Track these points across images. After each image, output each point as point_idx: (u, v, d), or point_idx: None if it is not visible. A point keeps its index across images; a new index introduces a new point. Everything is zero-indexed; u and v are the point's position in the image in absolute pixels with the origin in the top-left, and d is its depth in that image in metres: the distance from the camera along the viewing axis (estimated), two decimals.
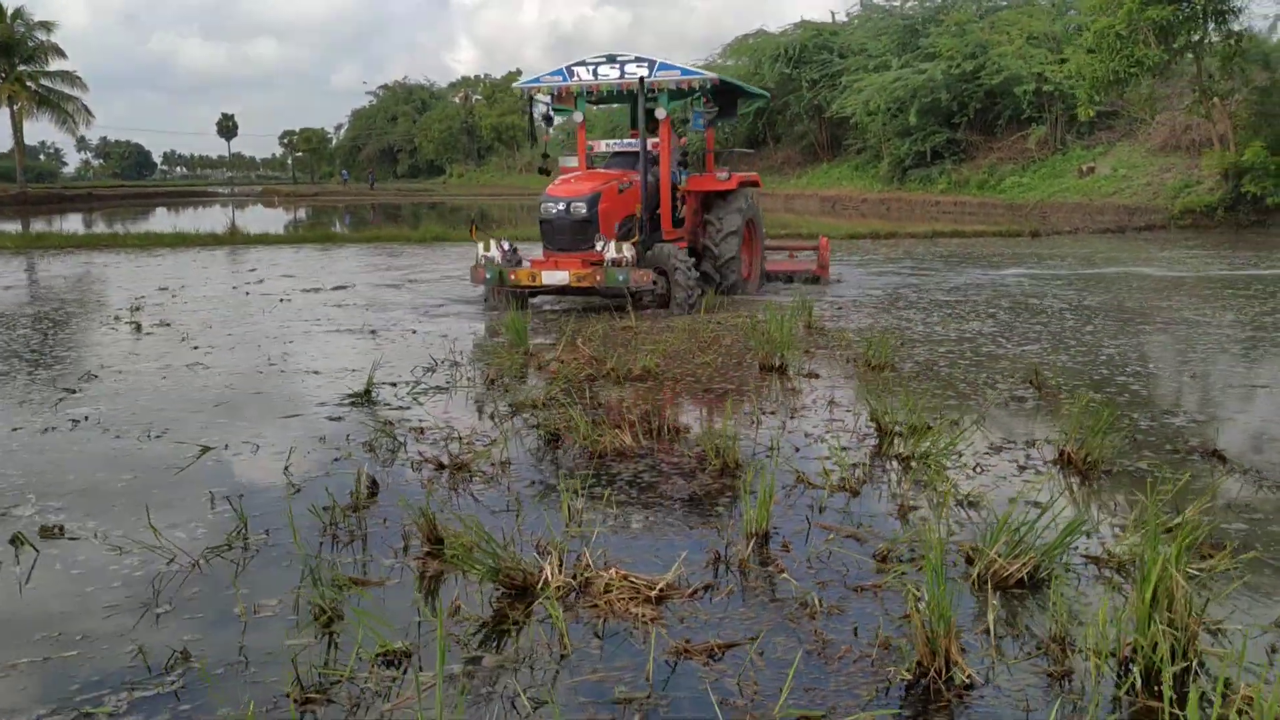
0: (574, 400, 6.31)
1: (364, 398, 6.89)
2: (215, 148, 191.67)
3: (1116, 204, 27.30)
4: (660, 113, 11.40)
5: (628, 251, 10.54)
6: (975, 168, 36.10)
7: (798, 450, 5.62)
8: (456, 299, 12.36)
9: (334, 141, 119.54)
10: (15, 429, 6.21)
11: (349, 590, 3.72)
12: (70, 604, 3.71)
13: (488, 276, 10.91)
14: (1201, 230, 23.02)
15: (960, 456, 5.32)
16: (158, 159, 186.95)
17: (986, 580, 3.72)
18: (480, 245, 11.24)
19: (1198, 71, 23.10)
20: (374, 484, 4.96)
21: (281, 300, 12.19)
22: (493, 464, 5.31)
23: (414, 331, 9.92)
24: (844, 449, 5.59)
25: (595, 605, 3.63)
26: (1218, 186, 23.64)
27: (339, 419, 6.39)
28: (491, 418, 6.39)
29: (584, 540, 4.18)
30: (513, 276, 10.77)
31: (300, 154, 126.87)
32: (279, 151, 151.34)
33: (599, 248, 10.72)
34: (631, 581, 3.73)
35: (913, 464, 5.30)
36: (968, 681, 3.04)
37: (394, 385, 7.30)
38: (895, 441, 5.66)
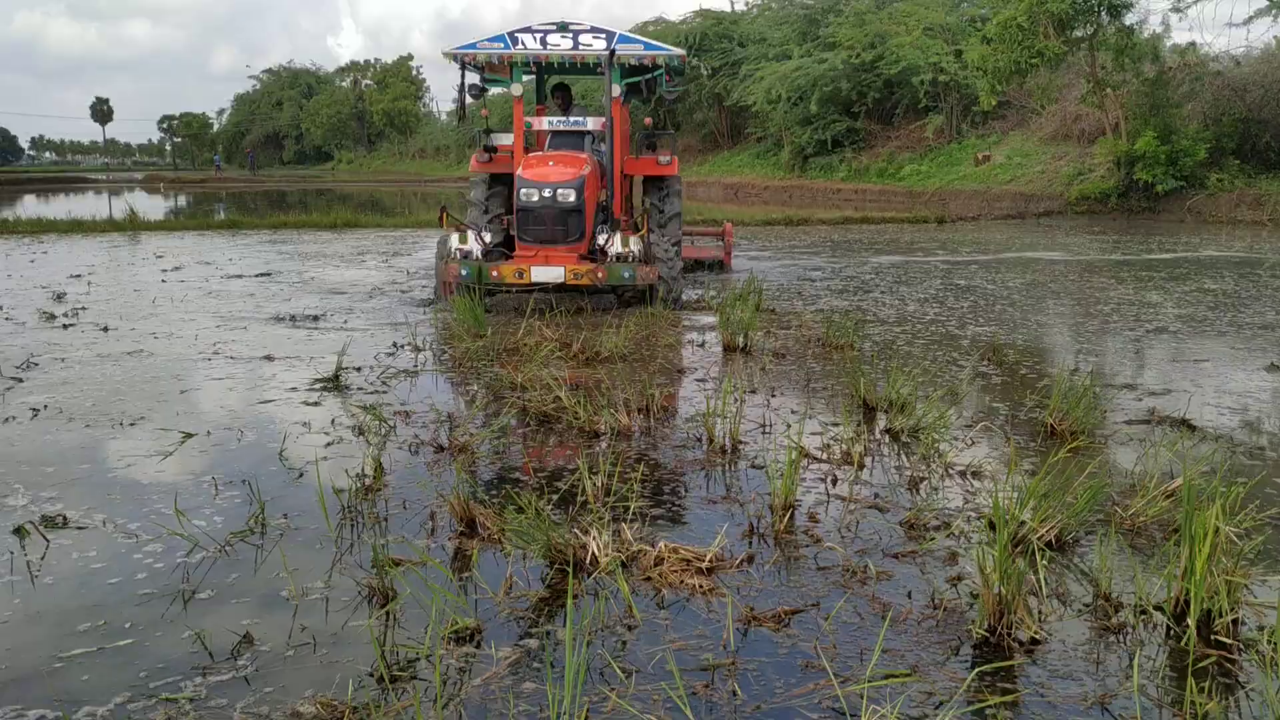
0: (558, 382, 6.30)
1: (334, 382, 6.75)
2: (87, 133, 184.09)
3: (1013, 191, 28.27)
4: (616, 90, 10.32)
5: (635, 245, 9.51)
6: (875, 156, 36.93)
7: (789, 426, 5.72)
8: (388, 284, 12.15)
9: (215, 127, 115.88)
10: None
11: (393, 571, 3.66)
12: (103, 594, 3.58)
13: (463, 274, 9.35)
14: (1096, 216, 24.01)
15: (948, 430, 5.48)
16: (24, 144, 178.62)
17: (1018, 544, 3.86)
18: (454, 236, 9.70)
19: (1092, 63, 24.06)
20: (379, 468, 4.89)
21: (207, 288, 11.81)
22: (494, 446, 5.27)
23: (357, 320, 9.72)
24: (834, 424, 5.71)
25: (649, 578, 3.65)
26: (1110, 174, 24.68)
27: (315, 404, 6.25)
28: (473, 400, 6.34)
29: (617, 517, 4.19)
30: (495, 274, 9.32)
31: (180, 139, 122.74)
32: (157, 137, 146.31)
33: (601, 240, 9.73)
34: (681, 554, 3.76)
35: (903, 438, 5.45)
36: (1035, 637, 3.17)
37: (359, 370, 7.16)
38: (879, 417, 5.82)
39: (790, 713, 2.80)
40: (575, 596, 3.54)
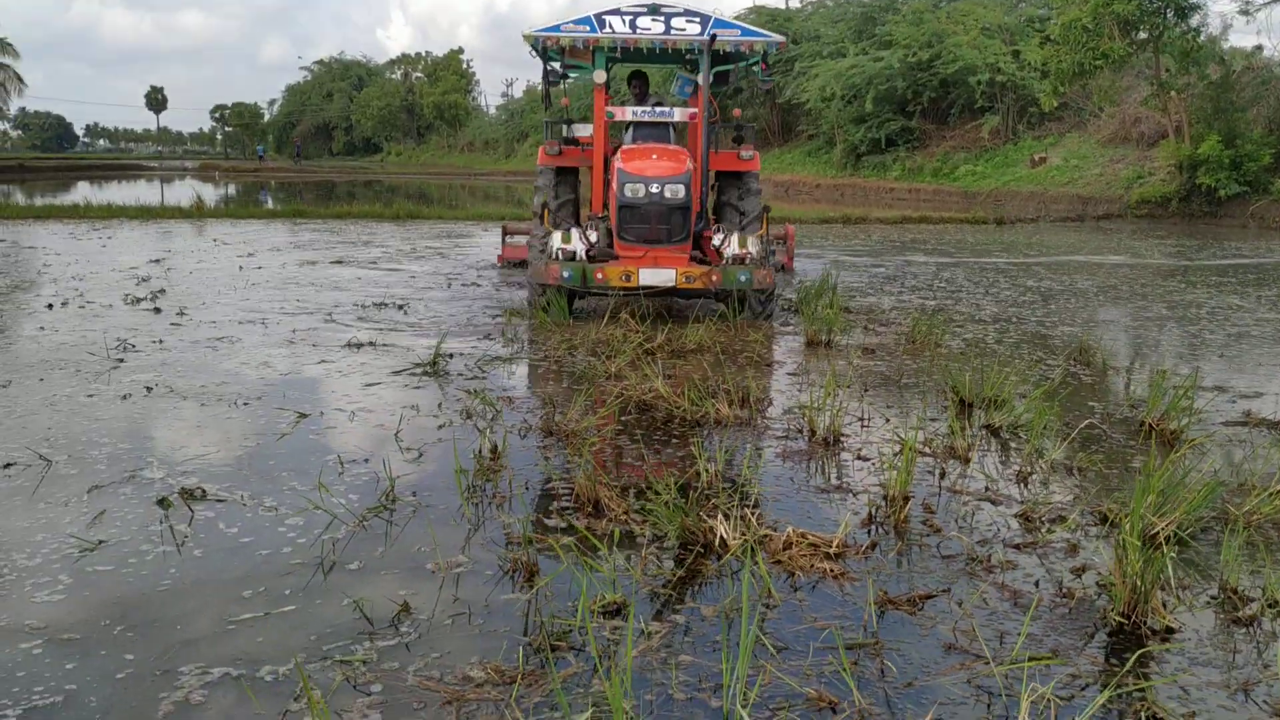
0: (656, 371, 6.43)
1: (433, 368, 6.93)
2: (141, 121, 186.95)
3: (1070, 194, 28.02)
4: (700, 78, 9.37)
5: (753, 246, 8.82)
6: (929, 155, 36.72)
7: (888, 420, 5.81)
8: (472, 266, 12.37)
9: (267, 117, 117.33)
10: (90, 395, 6.14)
11: (528, 547, 3.79)
12: (256, 563, 3.74)
13: (565, 276, 8.54)
14: (1157, 220, 23.78)
15: (1050, 426, 5.54)
16: (79, 131, 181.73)
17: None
18: (556, 235, 8.89)
19: (1156, 65, 23.83)
20: (495, 449, 5.04)
21: (285, 274, 12.06)
22: (600, 432, 5.40)
23: (451, 314, 9.91)
24: (932, 419, 5.79)
25: (778, 561, 3.77)
26: (1171, 178, 24.42)
27: (420, 388, 6.42)
28: (573, 388, 6.47)
29: (740, 502, 4.31)
30: (600, 276, 8.53)
31: (231, 129, 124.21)
32: (208, 126, 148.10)
33: (717, 241, 9.02)
34: (809, 539, 3.87)
35: (1003, 434, 5.52)
36: (1169, 626, 3.25)
37: (451, 357, 7.32)
38: (975, 413, 5.89)
39: (939, 690, 2.90)
40: (710, 578, 3.66)
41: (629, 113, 9.81)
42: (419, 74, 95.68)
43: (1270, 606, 3.40)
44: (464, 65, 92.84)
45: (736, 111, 10.73)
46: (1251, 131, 23.58)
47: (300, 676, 2.83)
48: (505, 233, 13.64)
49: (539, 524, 4.12)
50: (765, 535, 3.94)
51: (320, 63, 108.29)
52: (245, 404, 6.00)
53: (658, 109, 9.76)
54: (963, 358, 7.51)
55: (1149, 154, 27.39)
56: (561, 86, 10.31)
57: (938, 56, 35.07)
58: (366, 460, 4.96)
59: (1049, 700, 2.77)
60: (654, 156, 8.96)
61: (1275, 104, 24.70)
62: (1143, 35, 23.04)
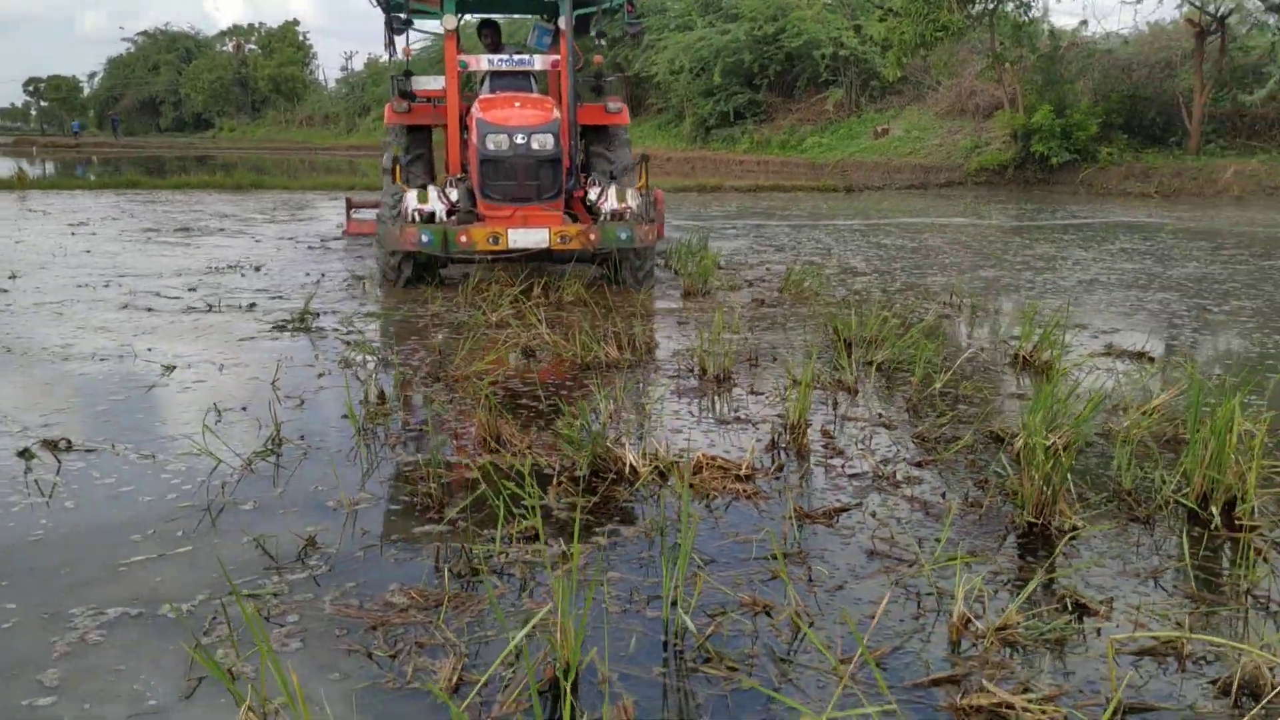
0: (539, 318, 6.32)
1: (302, 322, 6.65)
2: None
3: (913, 163, 28.97)
4: (563, 22, 8.62)
5: (633, 200, 8.09)
6: (776, 128, 37.35)
7: (775, 360, 5.86)
8: (319, 235, 11.93)
9: (86, 91, 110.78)
10: None
11: (433, 482, 3.65)
12: (140, 509, 3.49)
13: (424, 240, 7.61)
14: (994, 186, 24.81)
15: (931, 361, 5.68)
16: None
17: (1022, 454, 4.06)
18: (410, 194, 7.94)
19: (991, 38, 24.83)
20: (382, 394, 4.85)
21: (123, 242, 11.39)
22: (490, 377, 5.27)
23: (307, 274, 9.53)
24: (817, 356, 5.86)
25: (691, 485, 3.73)
26: (1007, 147, 25.52)
27: (292, 341, 6.15)
28: (454, 336, 6.30)
29: (643, 431, 4.26)
30: (464, 240, 7.62)
31: (47, 104, 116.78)
32: (20, 101, 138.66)
33: (593, 197, 8.37)
34: (718, 464, 3.86)
35: (885, 368, 5.64)
36: (1074, 525, 3.36)
37: (317, 315, 7.04)
38: (855, 351, 6.00)
39: (869, 591, 2.92)
40: (625, 503, 3.61)
41: (484, 61, 9.01)
42: (252, 46, 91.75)
43: (1160, 508, 3.56)
44: (300, 37, 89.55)
45: (598, 59, 9.75)
46: (1079, 102, 24.83)
47: (221, 611, 2.64)
48: (350, 205, 12.60)
49: (442, 461, 3.98)
50: (673, 462, 3.90)
51: (145, 34, 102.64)
52: (103, 360, 5.62)
53: (516, 57, 9.01)
54: (843, 304, 7.64)
55: (985, 125, 28.54)
56: (406, 36, 9.23)
57: (783, 30, 35.67)
58: (244, 408, 4.71)
59: (980, 591, 2.82)
60: (517, 105, 8.20)
61: (1100, 77, 26.08)
62: (979, 8, 23.94)
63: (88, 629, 2.66)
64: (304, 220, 14.52)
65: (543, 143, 7.89)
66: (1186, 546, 3.11)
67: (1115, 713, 2.30)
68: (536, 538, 3.24)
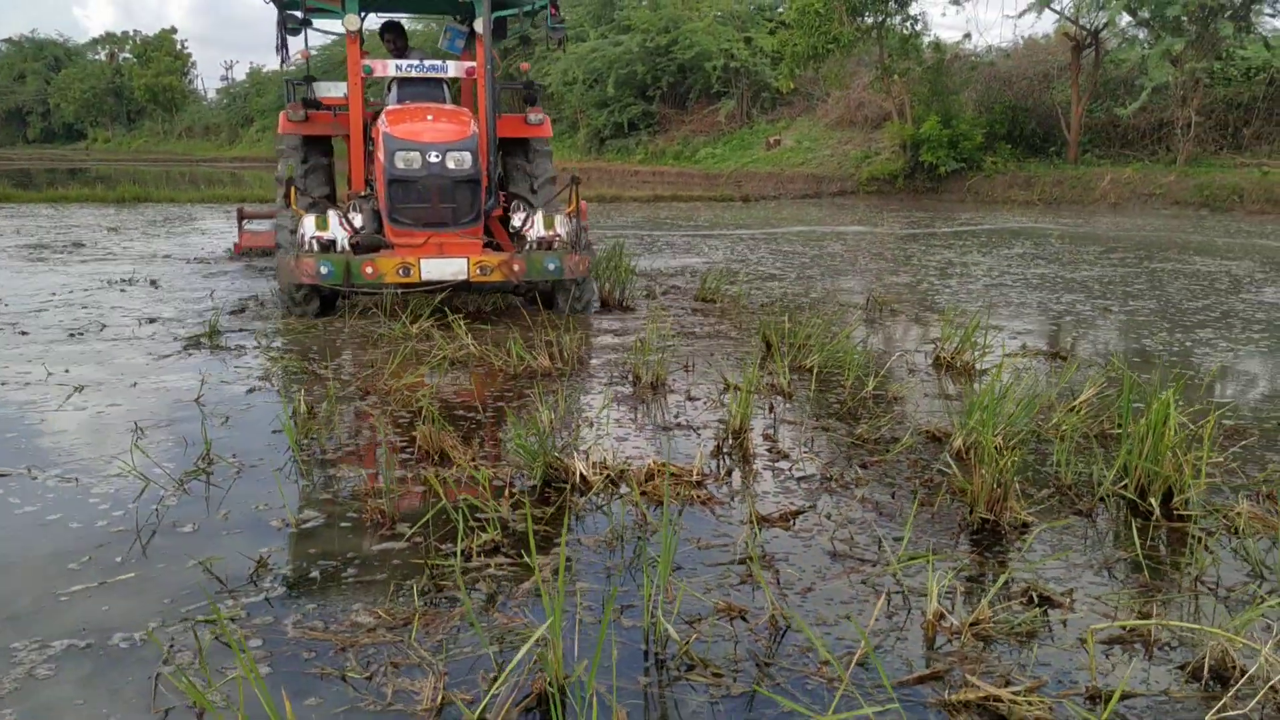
0: (463, 330, 6.22)
1: (210, 339, 6.42)
2: None
3: (805, 173, 29.53)
4: (479, 25, 7.83)
5: (562, 227, 7.44)
6: (670, 139, 37.67)
7: (710, 366, 5.87)
8: (213, 252, 11.55)
9: None
10: None
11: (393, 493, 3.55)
12: (68, 537, 3.30)
13: (324, 272, 6.82)
14: (886, 195, 25.45)
15: (860, 363, 5.77)
16: None
17: (962, 452, 4.16)
18: (307, 220, 7.14)
19: (880, 50, 25.49)
20: (311, 409, 4.71)
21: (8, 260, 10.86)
22: (423, 391, 5.16)
23: (211, 293, 9.21)
24: (745, 362, 5.90)
25: (644, 492, 3.71)
26: (896, 156, 26.22)
27: (209, 359, 5.93)
28: (375, 347, 6.16)
29: (589, 440, 4.22)
30: (370, 271, 6.84)
31: None
32: None
33: (517, 223, 7.62)
34: (670, 469, 3.84)
35: (817, 372, 5.70)
36: (1025, 520, 3.44)
37: (221, 333, 6.81)
38: (779, 355, 6.06)
39: (837, 591, 2.94)
40: (581, 512, 3.56)
41: (391, 67, 8.10)
42: (127, 54, 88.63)
43: (1100, 500, 3.67)
44: (178, 46, 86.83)
45: (525, 65, 9.22)
46: (964, 113, 25.66)
47: (155, 640, 2.51)
48: (241, 217, 11.55)
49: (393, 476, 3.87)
50: (623, 470, 3.88)
51: (9, 41, 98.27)
52: (1, 383, 5.32)
53: (428, 63, 8.12)
54: (764, 310, 7.70)
55: (874, 135, 29.27)
56: (305, 37, 8.61)
57: (675, 42, 36.00)
58: (168, 424, 4.52)
59: (950, 587, 2.86)
60: (430, 118, 7.35)
61: (983, 89, 27.00)
62: (868, 21, 24.55)
63: (35, 663, 2.50)
64: (203, 233, 14.05)
65: (459, 161, 7.06)
66: (1137, 538, 3.21)
67: (1094, 700, 2.36)
68: (497, 550, 3.18)
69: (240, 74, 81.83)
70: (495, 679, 2.43)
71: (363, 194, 7.90)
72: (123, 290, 8.58)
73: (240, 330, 6.86)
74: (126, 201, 19.96)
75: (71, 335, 6.55)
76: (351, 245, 7.15)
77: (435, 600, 2.87)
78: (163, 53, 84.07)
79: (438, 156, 7.03)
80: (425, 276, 6.90)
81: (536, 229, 7.40)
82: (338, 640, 2.63)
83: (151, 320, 7.13)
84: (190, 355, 6.02)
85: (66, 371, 5.54)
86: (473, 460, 4.00)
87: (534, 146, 8.70)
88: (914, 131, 24.85)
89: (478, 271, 7.01)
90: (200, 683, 2.40)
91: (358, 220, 7.24)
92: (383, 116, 7.52)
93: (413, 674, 2.47)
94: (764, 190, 28.40)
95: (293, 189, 7.29)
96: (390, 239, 7.24)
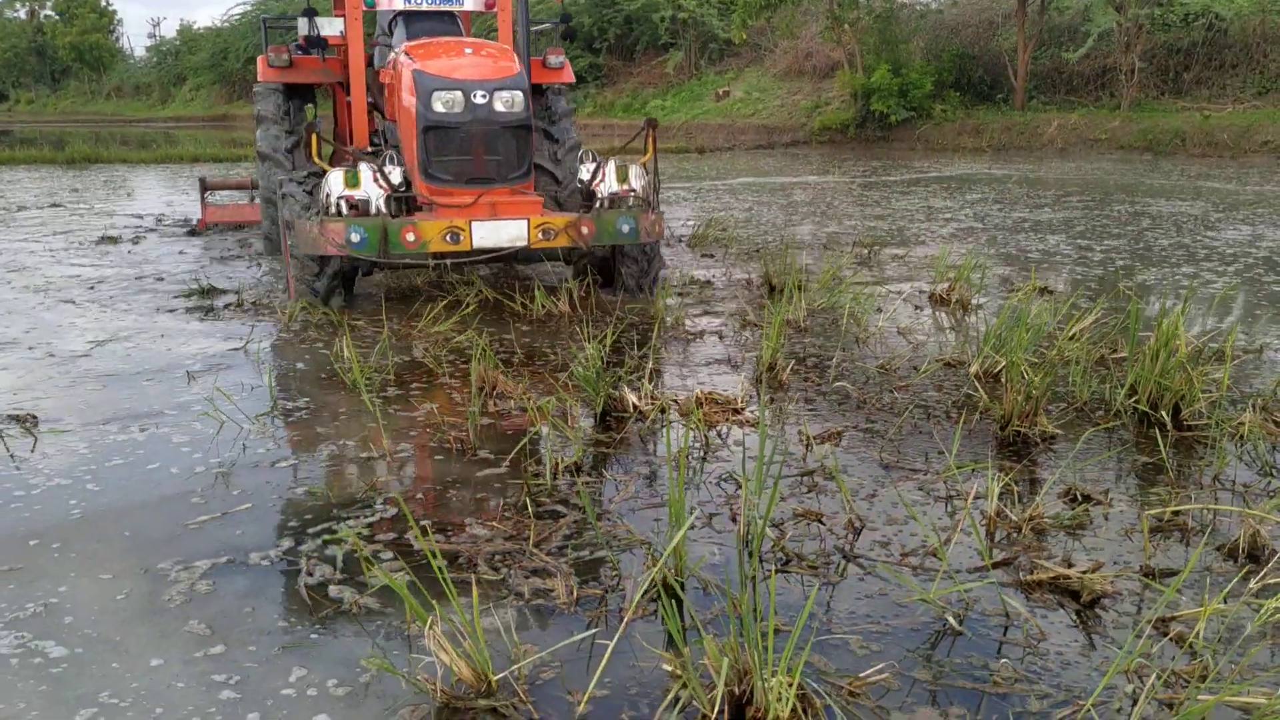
0: (483, 280, 6.43)
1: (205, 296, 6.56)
2: None
3: (756, 124, 29.75)
4: None
5: (637, 180, 6.27)
6: (619, 92, 37.62)
7: (724, 308, 6.15)
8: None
9: None
10: None
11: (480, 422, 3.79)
12: (179, 479, 3.47)
13: (356, 239, 5.56)
14: (837, 145, 25.77)
15: (869, 301, 6.07)
16: None
17: (980, 376, 4.49)
18: (334, 177, 5.76)
19: None
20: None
21: None
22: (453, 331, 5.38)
23: (181, 253, 9.28)
24: (760, 305, 6.19)
25: (705, 417, 3.99)
26: (847, 106, 26.54)
27: (230, 319, 6.08)
28: (413, 294, 6.34)
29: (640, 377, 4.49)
30: (411, 237, 5.62)
31: None
32: None
33: (585, 176, 6.36)
34: (715, 399, 4.12)
35: (830, 302, 6.01)
36: (1051, 433, 3.78)
37: (238, 292, 6.95)
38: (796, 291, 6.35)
39: (899, 496, 3.25)
40: (642, 436, 3.84)
41: (398, 1, 7.09)
42: (49, 12, 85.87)
43: (1115, 415, 4.02)
44: (103, 2, 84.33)
45: None
46: (914, 61, 25.99)
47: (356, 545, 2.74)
48: (204, 188, 10.05)
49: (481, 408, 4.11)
50: (671, 401, 4.15)
51: None
52: (30, 347, 5.45)
53: None
54: (761, 253, 7.98)
55: (822, 85, 29.52)
56: None
57: None
58: (225, 368, 4.71)
59: (1000, 490, 3.17)
60: (468, 52, 6.32)
61: (931, 36, 27.36)
62: None
63: (190, 579, 2.72)
64: (173, 193, 13.97)
65: (510, 102, 6.00)
66: (1162, 443, 3.56)
67: (1149, 575, 2.69)
68: (579, 470, 3.45)
69: (169, 30, 79.55)
70: (616, 576, 2.71)
71: (367, 151, 6.85)
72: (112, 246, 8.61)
73: (227, 289, 6.99)
74: (76, 163, 19.63)
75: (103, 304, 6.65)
76: (388, 207, 5.87)
77: (538, 514, 3.13)
78: (87, 9, 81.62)
79: (484, 97, 5.96)
80: (477, 243, 5.77)
81: (609, 183, 6.24)
82: (462, 550, 2.88)
83: (160, 279, 7.21)
84: (199, 312, 6.16)
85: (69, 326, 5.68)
86: (524, 394, 4.25)
87: (552, 99, 7.81)
88: (865, 80, 25.17)
89: (539, 235, 5.86)
90: (351, 592, 2.64)
91: (395, 175, 5.96)
92: (403, 53, 6.42)
93: (542, 575, 2.73)
94: (716, 142, 28.58)
95: (314, 136, 6.00)
96: (428, 198, 6.08)
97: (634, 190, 6.22)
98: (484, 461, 3.56)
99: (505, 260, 6.57)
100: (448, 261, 6.12)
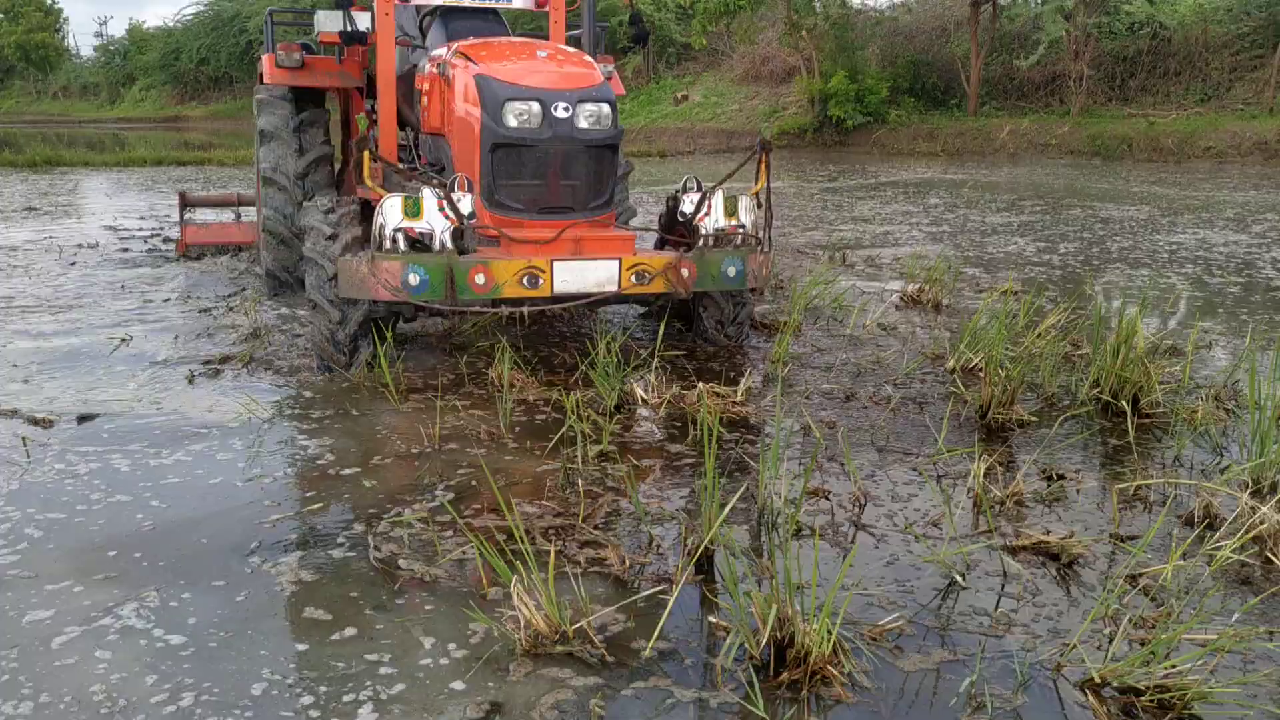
0: None
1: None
2: None
3: (715, 128, 30.29)
4: None
5: (746, 214, 5.28)
6: None
7: None
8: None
9: None
10: None
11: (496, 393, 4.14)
12: (252, 488, 3.81)
13: (414, 282, 4.51)
14: (796, 149, 26.36)
15: (849, 305, 6.49)
16: None
17: (957, 371, 4.92)
18: (390, 205, 4.60)
19: (788, 6, 26.28)
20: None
21: None
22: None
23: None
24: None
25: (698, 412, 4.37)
26: (805, 111, 27.17)
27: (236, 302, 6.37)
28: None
29: (644, 370, 4.87)
30: (480, 279, 4.61)
31: None
32: None
33: (688, 209, 5.30)
34: (717, 392, 4.52)
35: (813, 304, 6.42)
36: (1025, 420, 4.21)
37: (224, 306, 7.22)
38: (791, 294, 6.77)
39: (892, 474, 3.65)
40: (628, 429, 4.22)
41: None
42: None
43: (1079, 405, 4.46)
44: (48, 1, 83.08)
45: None
46: (869, 68, 26.66)
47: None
48: (184, 204, 8.73)
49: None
50: (675, 394, 4.54)
51: None
52: (69, 334, 5.71)
53: None
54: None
55: (780, 90, 30.16)
56: None
57: None
58: (297, 372, 5.01)
59: (996, 467, 3.58)
60: (542, 55, 5.28)
61: (886, 42, 28.06)
62: None
63: (283, 571, 3.05)
64: (155, 198, 14.11)
65: (597, 117, 5.01)
66: (1131, 428, 4.01)
67: (1118, 539, 3.12)
68: (605, 456, 3.82)
69: (116, 30, 78.61)
70: (657, 546, 3.08)
71: (398, 167, 5.47)
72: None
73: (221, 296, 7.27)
74: (37, 166, 19.62)
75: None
76: (453, 239, 4.67)
77: (580, 494, 3.49)
78: (32, 8, 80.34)
79: (566, 110, 4.91)
80: (559, 288, 4.78)
81: (715, 217, 5.23)
82: (526, 525, 3.23)
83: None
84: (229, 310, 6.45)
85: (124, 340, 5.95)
86: (540, 389, 4.61)
87: None
88: (822, 86, 25.77)
89: (632, 280, 4.90)
90: (422, 565, 2.99)
91: (465, 204, 4.68)
92: (455, 54, 5.34)
93: (595, 546, 3.09)
94: (676, 146, 29.04)
95: (366, 154, 4.80)
96: (493, 230, 4.97)
97: (743, 226, 5.24)
98: (523, 451, 3.92)
99: (593, 305, 5.31)
100: (524, 310, 5.02)
